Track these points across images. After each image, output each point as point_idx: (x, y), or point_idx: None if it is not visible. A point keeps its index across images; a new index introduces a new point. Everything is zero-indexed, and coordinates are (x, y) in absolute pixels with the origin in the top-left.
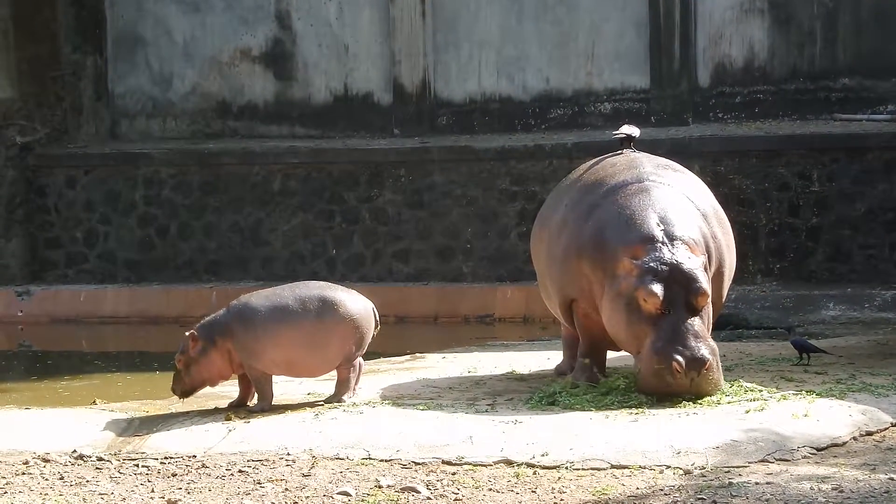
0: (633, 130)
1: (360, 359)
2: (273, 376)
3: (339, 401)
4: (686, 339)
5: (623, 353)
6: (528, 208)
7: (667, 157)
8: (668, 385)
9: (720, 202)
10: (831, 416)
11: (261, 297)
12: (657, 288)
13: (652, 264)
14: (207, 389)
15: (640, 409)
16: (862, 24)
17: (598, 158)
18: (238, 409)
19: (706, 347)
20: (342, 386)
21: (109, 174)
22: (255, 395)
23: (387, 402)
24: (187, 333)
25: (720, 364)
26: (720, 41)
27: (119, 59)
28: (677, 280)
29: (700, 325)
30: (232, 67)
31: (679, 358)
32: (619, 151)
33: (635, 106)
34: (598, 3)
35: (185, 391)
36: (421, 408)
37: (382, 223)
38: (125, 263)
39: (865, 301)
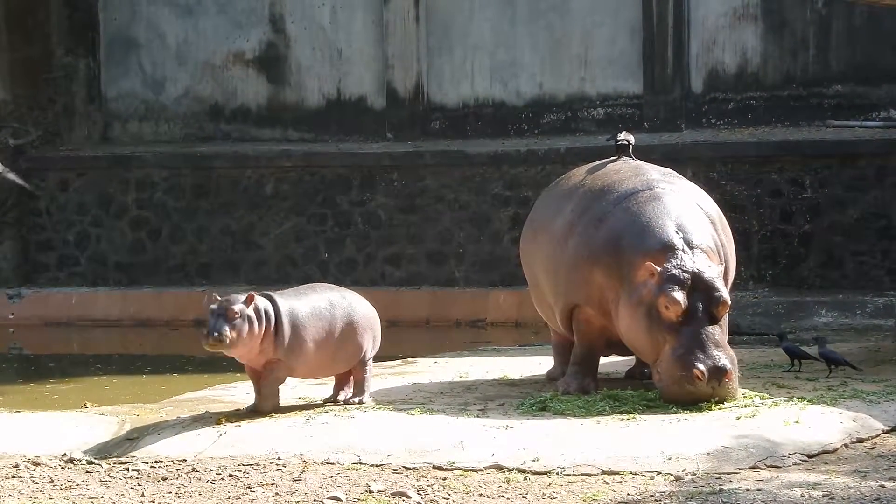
0: (630, 137)
1: (371, 360)
2: None
3: (361, 402)
4: (707, 347)
5: (614, 358)
6: (521, 213)
7: (659, 163)
8: (690, 393)
9: None
10: (822, 422)
11: (299, 301)
12: (679, 296)
13: (674, 272)
14: (199, 393)
15: (632, 416)
16: (855, 31)
17: (595, 164)
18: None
19: (726, 357)
20: (360, 387)
21: (101, 177)
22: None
23: (378, 406)
24: (247, 294)
25: (737, 373)
26: (713, 47)
27: (112, 62)
28: (699, 288)
29: (720, 333)
30: (225, 71)
31: (701, 366)
32: (615, 158)
33: (628, 111)
34: (591, 9)
35: (220, 341)
36: (412, 413)
37: (375, 227)
38: (117, 266)
39: (857, 308)
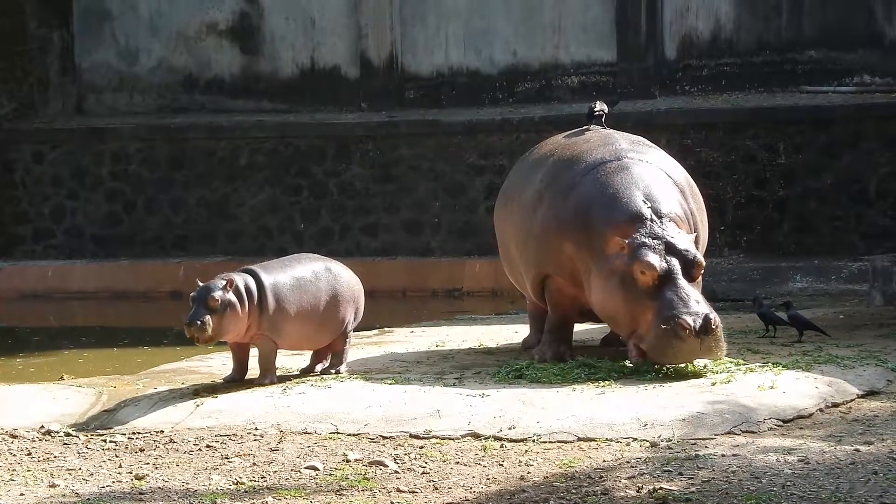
0: (604, 107)
1: (351, 331)
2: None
3: (338, 372)
4: (689, 303)
5: (589, 326)
6: (496, 182)
7: (633, 131)
8: (679, 350)
9: None
10: (797, 388)
11: (283, 273)
12: (654, 259)
13: (644, 239)
14: (176, 365)
15: (607, 382)
16: None
17: (566, 134)
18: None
19: (709, 307)
20: (338, 357)
21: (76, 149)
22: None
23: (355, 376)
24: (224, 279)
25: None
26: (686, 14)
27: (85, 34)
28: (671, 253)
29: (698, 292)
30: (198, 41)
31: (689, 318)
32: (588, 127)
33: (602, 79)
34: None
35: (208, 337)
36: (389, 382)
37: (350, 197)
38: (93, 239)
39: (832, 273)
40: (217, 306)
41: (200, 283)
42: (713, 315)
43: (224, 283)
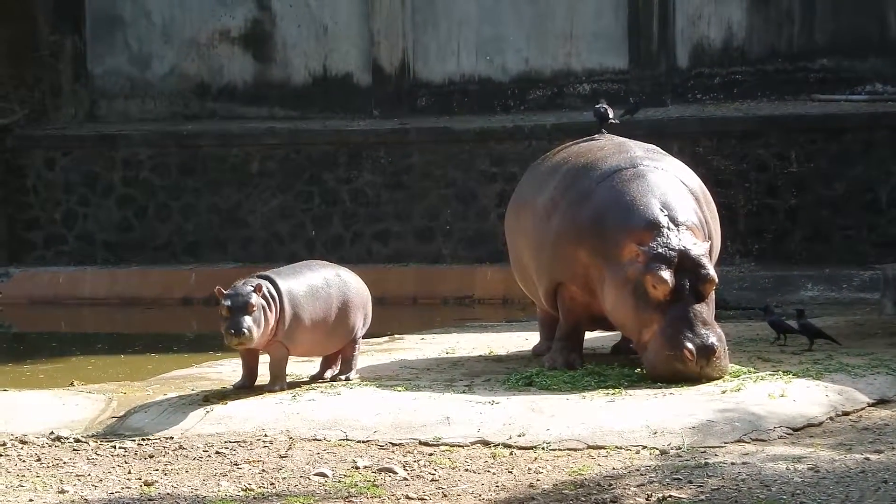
0: (609, 112)
1: (360, 337)
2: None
3: (348, 378)
4: (695, 326)
5: (599, 333)
6: (508, 189)
7: (645, 139)
8: (678, 371)
9: None
10: (808, 396)
11: (296, 280)
12: (667, 274)
13: (660, 250)
14: (186, 371)
15: (617, 390)
16: (840, 4)
17: (579, 141)
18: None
19: (714, 335)
20: (348, 364)
21: (88, 155)
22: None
23: (364, 383)
24: (253, 284)
25: (727, 350)
26: (699, 21)
27: (98, 40)
28: (685, 266)
29: (707, 312)
30: (211, 48)
31: (690, 345)
32: (597, 135)
33: (614, 87)
34: None
35: (248, 339)
36: (398, 389)
37: (362, 204)
38: (104, 245)
39: (843, 281)
40: (255, 311)
41: (224, 291)
42: (717, 344)
43: (253, 287)
